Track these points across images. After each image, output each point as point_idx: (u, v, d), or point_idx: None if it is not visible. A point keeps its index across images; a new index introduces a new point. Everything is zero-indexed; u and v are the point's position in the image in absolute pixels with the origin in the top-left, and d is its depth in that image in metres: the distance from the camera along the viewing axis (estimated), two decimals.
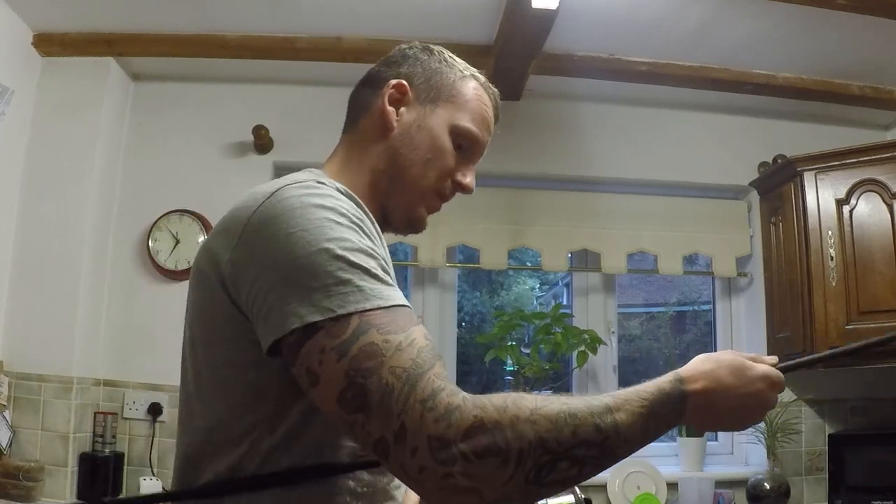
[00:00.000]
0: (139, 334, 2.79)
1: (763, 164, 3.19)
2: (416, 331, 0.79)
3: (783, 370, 0.96)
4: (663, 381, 0.88)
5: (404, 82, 1.07)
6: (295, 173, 0.96)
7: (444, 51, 1.13)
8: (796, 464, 3.01)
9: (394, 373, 0.74)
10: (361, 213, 0.89)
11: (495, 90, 1.15)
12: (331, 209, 0.84)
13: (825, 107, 3.17)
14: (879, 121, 3.31)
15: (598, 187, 3.23)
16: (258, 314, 0.81)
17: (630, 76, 2.98)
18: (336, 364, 0.75)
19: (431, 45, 1.14)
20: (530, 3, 2.35)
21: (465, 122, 1.07)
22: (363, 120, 1.09)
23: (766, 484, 2.79)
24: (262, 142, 2.95)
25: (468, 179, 1.09)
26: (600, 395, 0.82)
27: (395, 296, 0.81)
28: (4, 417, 2.51)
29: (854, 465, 2.85)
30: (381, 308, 0.78)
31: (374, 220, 0.92)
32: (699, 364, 0.91)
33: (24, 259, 2.68)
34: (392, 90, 1.07)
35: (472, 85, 1.10)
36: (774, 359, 0.98)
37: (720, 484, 2.86)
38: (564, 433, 0.76)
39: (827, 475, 2.94)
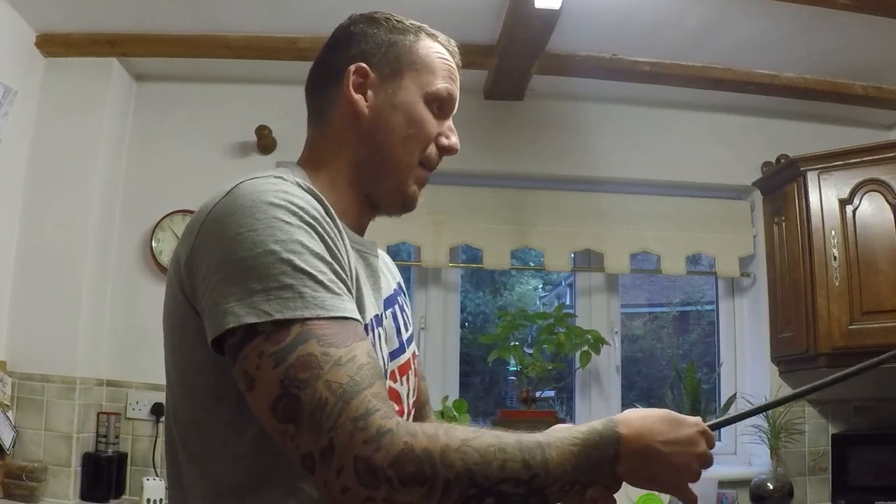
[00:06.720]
0: (142, 334, 2.78)
1: (766, 164, 3.18)
2: (359, 346, 0.78)
3: (711, 427, 0.96)
4: (597, 422, 0.87)
5: (363, 65, 1.01)
6: (268, 170, 0.93)
7: (391, 16, 1.07)
8: (799, 464, 3.00)
9: (329, 387, 0.73)
10: (320, 210, 0.86)
11: (448, 39, 1.10)
12: (281, 207, 0.82)
13: (828, 107, 3.16)
14: (882, 121, 3.31)
15: (601, 187, 3.22)
16: (203, 312, 0.81)
17: (633, 76, 2.97)
18: (272, 371, 0.74)
19: (375, 14, 1.07)
20: (533, 2, 2.35)
21: (437, 85, 1.03)
22: (330, 112, 1.03)
23: (769, 484, 2.79)
24: (265, 142, 2.95)
25: (453, 139, 1.05)
26: (534, 433, 0.82)
27: (342, 306, 0.79)
28: (8, 418, 2.51)
29: (857, 465, 2.85)
30: (322, 318, 0.77)
31: (335, 217, 0.89)
32: (631, 412, 0.92)
33: (27, 259, 2.69)
34: (353, 76, 1.01)
35: (428, 44, 1.05)
36: (697, 419, 0.97)
37: (723, 484, 2.85)
38: (492, 467, 0.75)
39: (830, 475, 2.94)
